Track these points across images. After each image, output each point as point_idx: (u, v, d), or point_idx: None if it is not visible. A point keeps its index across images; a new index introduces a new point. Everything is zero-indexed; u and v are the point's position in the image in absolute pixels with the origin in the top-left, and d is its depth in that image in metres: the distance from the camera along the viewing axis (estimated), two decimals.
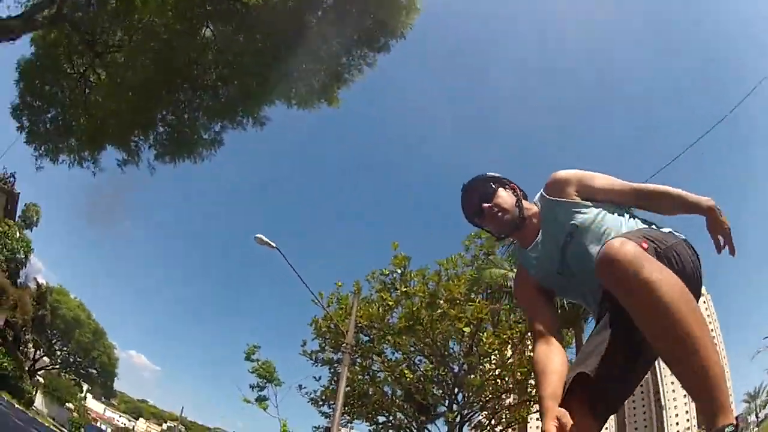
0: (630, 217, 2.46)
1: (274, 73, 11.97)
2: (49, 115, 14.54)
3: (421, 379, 21.41)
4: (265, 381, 23.22)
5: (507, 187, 2.73)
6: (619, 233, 2.25)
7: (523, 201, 2.69)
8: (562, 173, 2.56)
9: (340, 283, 23.85)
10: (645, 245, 1.94)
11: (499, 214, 2.62)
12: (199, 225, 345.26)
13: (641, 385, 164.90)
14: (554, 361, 2.29)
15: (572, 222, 2.43)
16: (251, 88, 12.07)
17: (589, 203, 2.47)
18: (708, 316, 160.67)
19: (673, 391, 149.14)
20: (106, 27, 13.53)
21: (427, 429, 23.03)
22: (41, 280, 47.76)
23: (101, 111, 13.33)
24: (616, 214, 2.44)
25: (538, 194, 2.66)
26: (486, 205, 2.63)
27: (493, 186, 2.71)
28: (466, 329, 19.66)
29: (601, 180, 2.53)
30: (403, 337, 20.91)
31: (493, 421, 22.29)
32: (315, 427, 26.86)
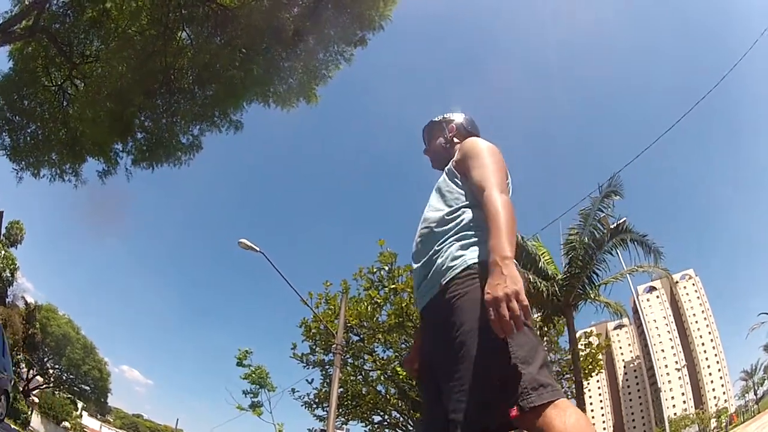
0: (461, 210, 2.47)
1: (250, 72, 11.98)
2: (28, 130, 14.50)
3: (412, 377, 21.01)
4: (258, 387, 23.20)
5: (444, 131, 3.11)
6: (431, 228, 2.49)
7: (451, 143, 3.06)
8: (467, 142, 2.70)
9: (328, 283, 23.86)
10: None
11: (432, 157, 3.14)
12: (182, 233, 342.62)
13: (634, 371, 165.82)
14: None
15: (439, 182, 2.74)
16: (228, 88, 12.06)
17: (457, 179, 2.60)
18: (698, 298, 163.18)
19: (668, 374, 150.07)
20: (82, 38, 13.53)
21: None
22: (29, 299, 47.59)
23: (79, 122, 13.33)
24: (449, 207, 2.50)
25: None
26: (425, 149, 3.22)
27: (431, 132, 3.19)
28: None
29: (477, 164, 2.47)
30: (394, 335, 21.06)
31: None
32: (309, 429, 27.03)
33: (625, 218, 18.31)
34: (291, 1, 12.11)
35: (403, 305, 20.00)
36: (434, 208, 2.54)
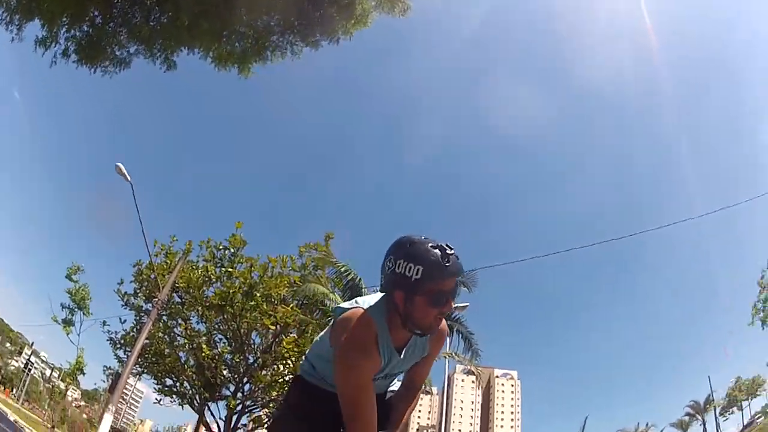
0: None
1: (206, 20, 11.96)
2: None
3: (216, 357, 21.64)
4: (76, 306, 22.82)
5: None
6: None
7: None
8: (446, 333, 2.89)
9: (174, 238, 23.90)
10: None
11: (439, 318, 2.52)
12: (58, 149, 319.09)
13: None
14: None
15: (408, 366, 2.82)
16: (181, 23, 11.91)
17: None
18: (512, 399, 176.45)
19: None
20: None
21: (209, 406, 23.18)
22: None
23: None
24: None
25: None
26: (451, 308, 2.50)
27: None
28: (272, 327, 20.34)
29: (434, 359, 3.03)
30: (213, 313, 21.23)
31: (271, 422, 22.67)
32: (106, 366, 26.81)
33: (467, 303, 19.44)
34: None
35: (231, 291, 20.31)
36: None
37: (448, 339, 18.39)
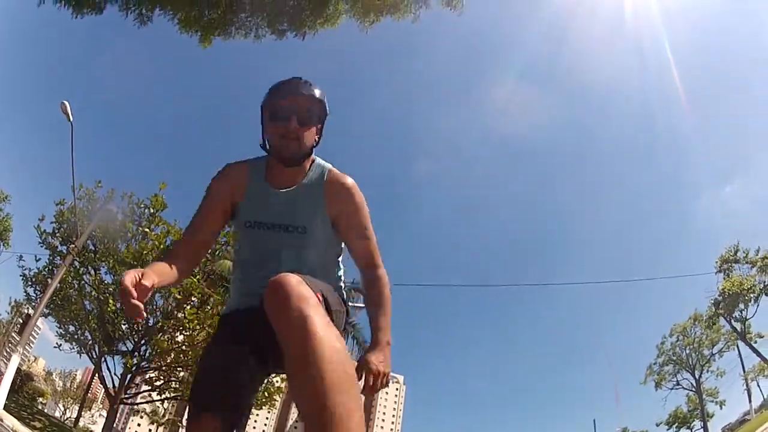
0: (337, 266, 2.44)
1: None
2: None
3: (118, 312, 21.42)
4: None
5: (322, 123, 2.36)
6: (314, 269, 2.20)
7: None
8: (354, 186, 2.36)
9: (99, 183, 23.69)
10: (319, 297, 1.71)
11: (293, 141, 2.23)
12: None
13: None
14: (172, 268, 2.11)
15: (307, 221, 2.30)
16: None
17: (330, 221, 2.34)
18: (395, 402, 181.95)
19: None
20: None
21: (105, 359, 23.53)
22: None
23: None
24: (332, 252, 2.41)
25: (325, 166, 2.40)
26: (294, 125, 2.21)
27: (318, 114, 2.32)
28: (178, 296, 20.58)
29: (369, 224, 2.37)
30: (123, 268, 20.86)
31: (163, 385, 23.12)
32: (16, 301, 27.05)
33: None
34: None
35: (144, 252, 20.29)
36: (314, 239, 2.30)
37: None
